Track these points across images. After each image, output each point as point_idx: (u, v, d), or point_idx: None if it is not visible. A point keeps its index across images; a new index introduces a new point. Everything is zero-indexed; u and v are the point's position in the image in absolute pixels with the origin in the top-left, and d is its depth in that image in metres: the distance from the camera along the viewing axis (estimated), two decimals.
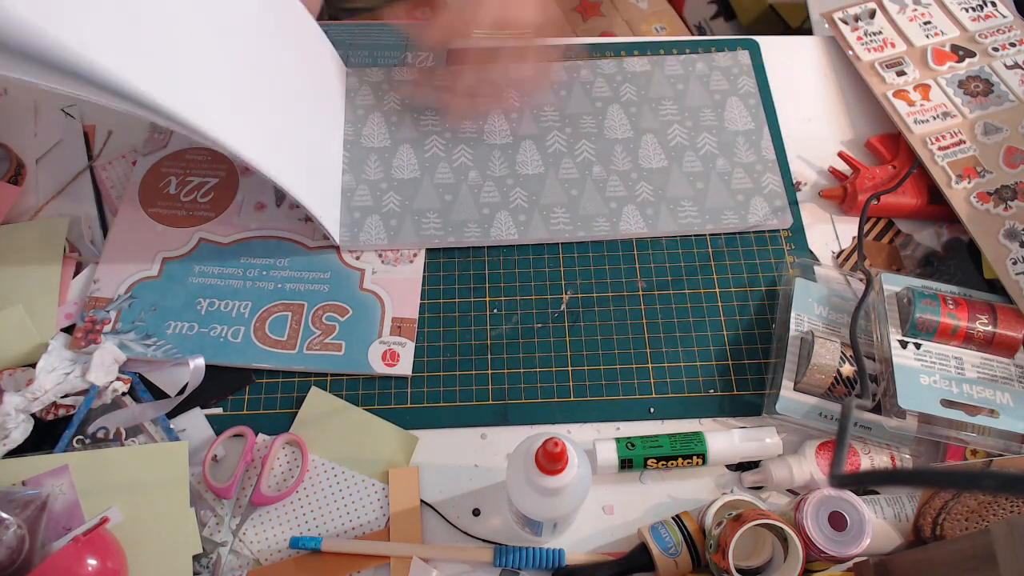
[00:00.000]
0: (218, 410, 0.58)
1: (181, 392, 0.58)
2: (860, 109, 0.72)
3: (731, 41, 0.76)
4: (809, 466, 0.54)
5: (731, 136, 0.70)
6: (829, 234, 0.66)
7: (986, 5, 0.74)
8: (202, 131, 0.49)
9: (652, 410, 0.58)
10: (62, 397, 0.57)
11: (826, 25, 0.76)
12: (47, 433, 0.56)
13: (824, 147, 0.70)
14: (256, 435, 0.56)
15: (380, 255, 0.64)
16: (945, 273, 0.63)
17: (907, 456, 0.55)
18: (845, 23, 0.75)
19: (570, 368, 0.60)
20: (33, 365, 0.57)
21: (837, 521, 0.49)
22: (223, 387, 0.59)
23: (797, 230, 0.66)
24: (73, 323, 0.61)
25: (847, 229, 0.66)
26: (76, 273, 0.63)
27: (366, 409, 0.58)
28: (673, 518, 0.52)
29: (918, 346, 0.56)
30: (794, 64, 0.75)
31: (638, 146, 0.69)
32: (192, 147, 0.70)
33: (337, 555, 0.53)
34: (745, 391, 0.59)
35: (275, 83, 0.60)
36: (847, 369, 0.55)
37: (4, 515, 0.49)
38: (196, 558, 0.52)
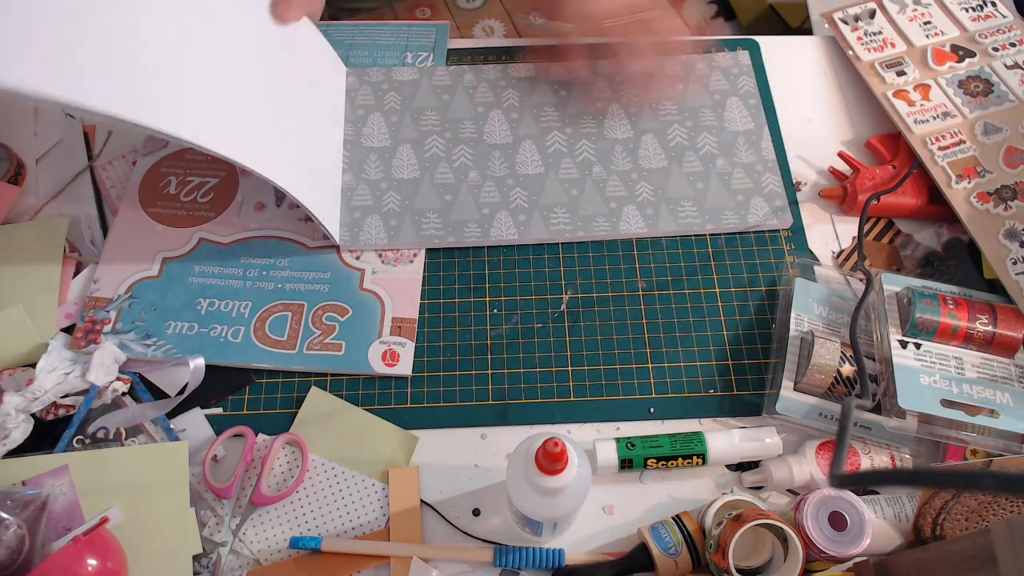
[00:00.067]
0: (218, 410, 0.58)
1: (181, 392, 0.58)
2: (860, 109, 0.72)
3: (731, 41, 0.76)
4: (809, 466, 0.54)
5: (731, 136, 0.69)
6: (829, 234, 0.66)
7: (986, 5, 0.74)
8: (200, 146, 0.49)
9: (652, 410, 0.58)
10: (62, 397, 0.57)
11: (826, 25, 0.76)
12: (47, 433, 0.56)
13: (824, 147, 0.70)
14: (256, 435, 0.56)
15: (380, 255, 0.64)
16: (945, 273, 0.63)
17: (907, 456, 0.55)
18: (845, 23, 0.75)
19: (570, 368, 0.60)
20: (33, 365, 0.57)
21: (837, 521, 0.49)
22: (223, 387, 0.59)
23: (797, 230, 0.66)
24: (73, 323, 0.61)
25: (847, 229, 0.66)
26: (76, 273, 0.63)
27: (366, 409, 0.58)
28: (673, 518, 0.52)
29: (918, 346, 0.56)
30: (794, 64, 0.75)
31: (638, 146, 0.69)
32: (192, 147, 0.70)
33: (337, 555, 0.53)
34: (745, 391, 0.59)
35: (274, 84, 0.60)
36: (847, 369, 0.55)
37: (4, 515, 0.49)
38: (196, 558, 0.52)
